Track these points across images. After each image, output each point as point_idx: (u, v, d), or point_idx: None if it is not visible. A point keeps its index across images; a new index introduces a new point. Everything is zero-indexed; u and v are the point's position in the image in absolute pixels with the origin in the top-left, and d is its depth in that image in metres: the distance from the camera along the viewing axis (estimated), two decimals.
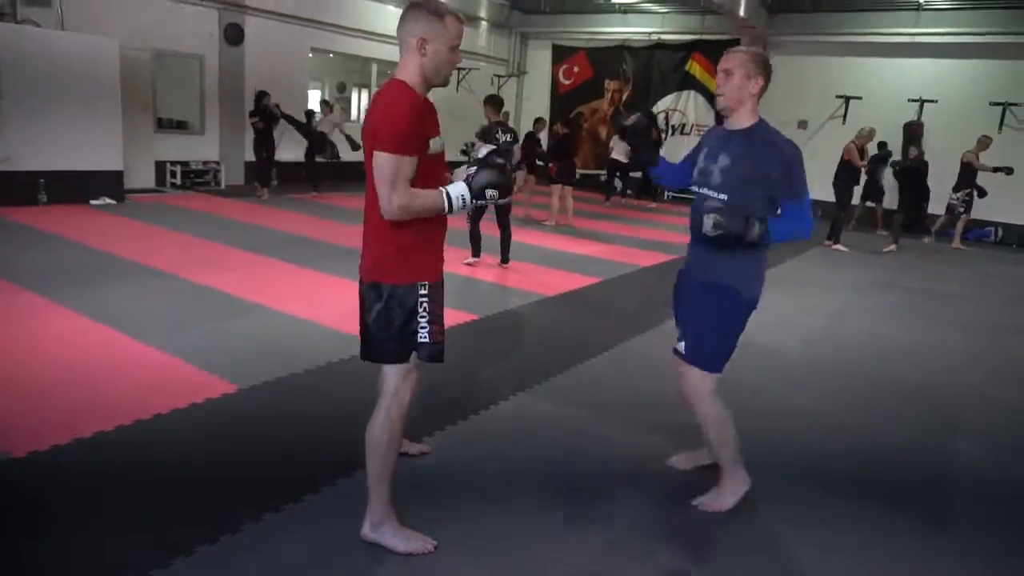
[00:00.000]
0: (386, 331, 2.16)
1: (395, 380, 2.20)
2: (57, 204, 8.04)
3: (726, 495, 2.69)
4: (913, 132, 11.60)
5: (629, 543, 2.45)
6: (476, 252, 6.74)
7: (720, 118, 2.60)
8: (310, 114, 10.86)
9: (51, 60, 7.92)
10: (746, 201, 2.42)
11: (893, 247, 9.90)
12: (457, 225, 6.68)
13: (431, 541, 2.28)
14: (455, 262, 6.47)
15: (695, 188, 2.61)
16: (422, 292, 2.15)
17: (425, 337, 2.16)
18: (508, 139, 6.82)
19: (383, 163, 1.98)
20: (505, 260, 6.76)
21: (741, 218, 2.33)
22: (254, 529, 2.31)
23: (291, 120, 10.43)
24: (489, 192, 2.12)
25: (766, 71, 2.47)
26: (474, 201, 2.13)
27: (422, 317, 2.15)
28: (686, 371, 2.63)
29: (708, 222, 2.32)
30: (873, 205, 11.90)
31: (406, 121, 1.99)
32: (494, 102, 6.96)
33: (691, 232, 2.58)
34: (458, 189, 2.10)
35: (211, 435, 2.97)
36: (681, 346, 2.63)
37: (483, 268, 6.60)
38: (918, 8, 12.14)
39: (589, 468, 2.94)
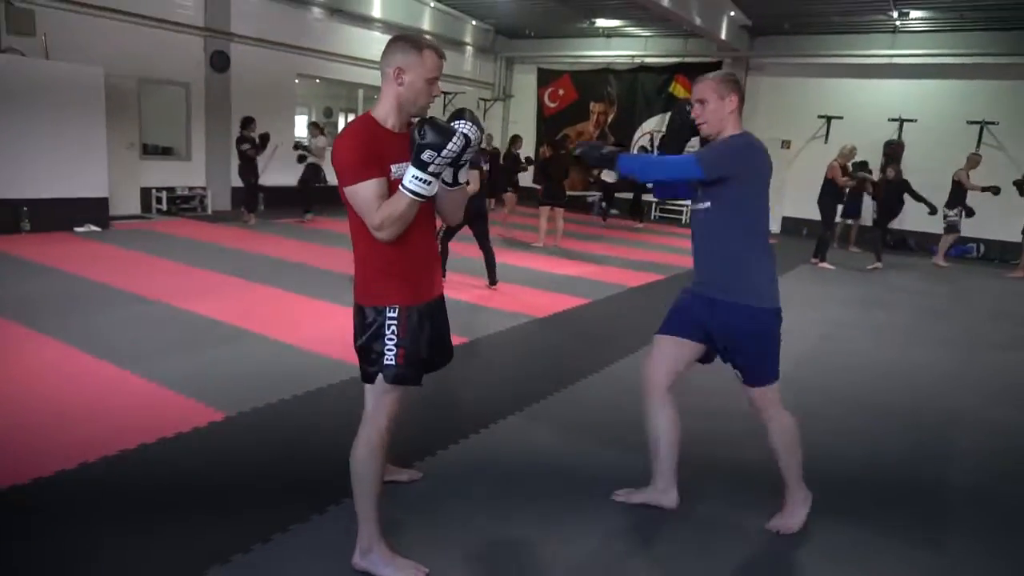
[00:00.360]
0: (367, 352, 2.20)
1: (376, 400, 2.21)
2: (41, 232, 7.97)
3: (798, 512, 2.70)
4: (893, 151, 11.77)
5: (625, 564, 2.42)
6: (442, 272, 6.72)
7: (704, 143, 2.66)
8: (301, 145, 10.86)
9: (35, 88, 7.91)
10: (725, 205, 2.51)
11: (879, 264, 10.00)
12: (458, 248, 6.71)
13: (422, 569, 2.25)
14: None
15: (691, 204, 2.70)
16: (390, 315, 2.15)
17: (391, 360, 2.15)
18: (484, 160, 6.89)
19: (351, 195, 2.06)
20: (493, 282, 6.75)
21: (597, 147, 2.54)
22: (244, 560, 2.27)
23: (305, 149, 10.49)
24: (427, 153, 1.93)
25: (736, 88, 2.55)
26: (429, 173, 1.97)
27: (389, 339, 2.15)
28: (748, 391, 2.66)
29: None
30: (851, 222, 12.05)
31: (351, 153, 2.05)
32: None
33: (693, 248, 2.68)
34: (408, 173, 1.98)
35: (198, 464, 2.93)
36: (740, 376, 2.63)
37: (470, 290, 6.59)
38: (894, 31, 12.40)
39: (581, 490, 2.92)
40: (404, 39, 2.12)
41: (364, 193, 2.02)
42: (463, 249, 7.16)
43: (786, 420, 2.67)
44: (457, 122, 1.99)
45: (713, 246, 2.59)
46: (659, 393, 2.71)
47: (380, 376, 2.17)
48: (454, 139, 1.94)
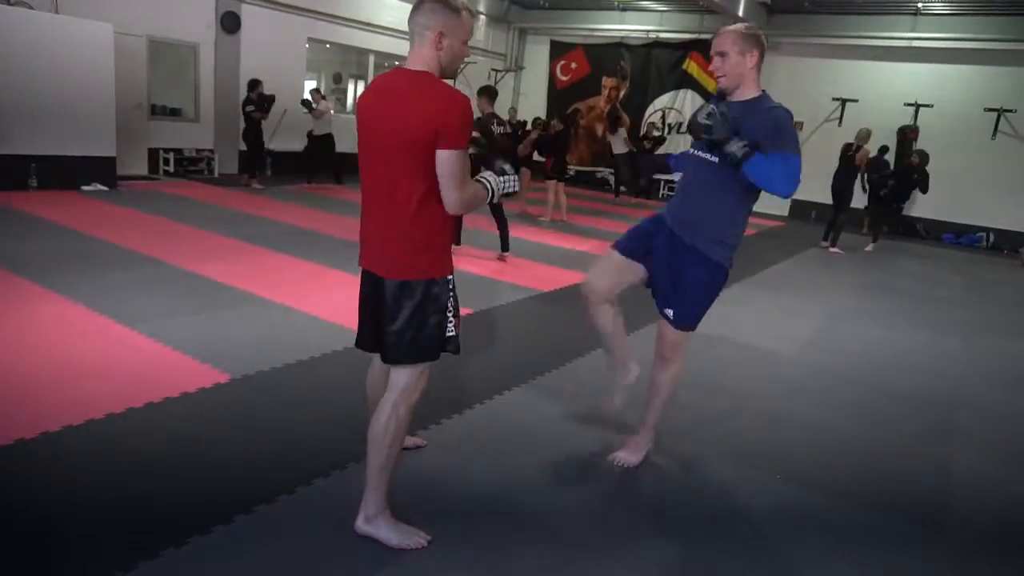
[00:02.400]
0: (420, 329, 2.12)
1: (411, 377, 2.17)
2: (48, 190, 7.95)
3: (642, 451, 2.92)
4: (907, 137, 11.66)
5: (624, 537, 2.44)
6: (457, 240, 6.75)
7: (722, 95, 2.62)
8: (307, 103, 10.75)
9: (44, 43, 7.83)
10: (724, 184, 2.54)
11: (871, 246, 10.02)
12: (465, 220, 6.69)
13: (425, 536, 2.26)
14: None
15: (692, 151, 2.69)
16: (450, 287, 2.15)
17: (452, 331, 2.16)
18: (502, 131, 6.86)
19: (454, 160, 1.97)
20: (505, 249, 6.80)
21: (729, 128, 2.38)
22: (246, 520, 2.29)
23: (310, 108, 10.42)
24: (501, 179, 2.20)
25: (758, 43, 2.51)
26: (503, 193, 2.21)
27: (450, 311, 2.15)
28: (668, 330, 2.74)
29: (702, 112, 2.41)
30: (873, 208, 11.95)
31: (466, 118, 1.98)
32: (488, 93, 6.90)
33: (683, 190, 2.73)
34: (492, 178, 2.17)
35: (203, 425, 2.94)
36: (670, 313, 2.71)
37: (477, 262, 6.57)
38: (916, 13, 12.17)
39: (583, 465, 2.93)
40: (441, 1, 2.02)
41: (463, 161, 2.00)
42: (469, 221, 7.12)
43: (680, 370, 2.82)
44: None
45: (709, 198, 2.62)
46: (599, 302, 2.82)
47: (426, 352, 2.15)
48: (512, 182, 2.21)
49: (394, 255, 2.09)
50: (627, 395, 2.99)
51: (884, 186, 10.03)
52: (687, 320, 2.70)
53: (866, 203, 10.42)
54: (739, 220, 2.67)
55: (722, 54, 2.50)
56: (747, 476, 2.97)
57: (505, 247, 6.83)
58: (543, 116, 15.24)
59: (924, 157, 9.99)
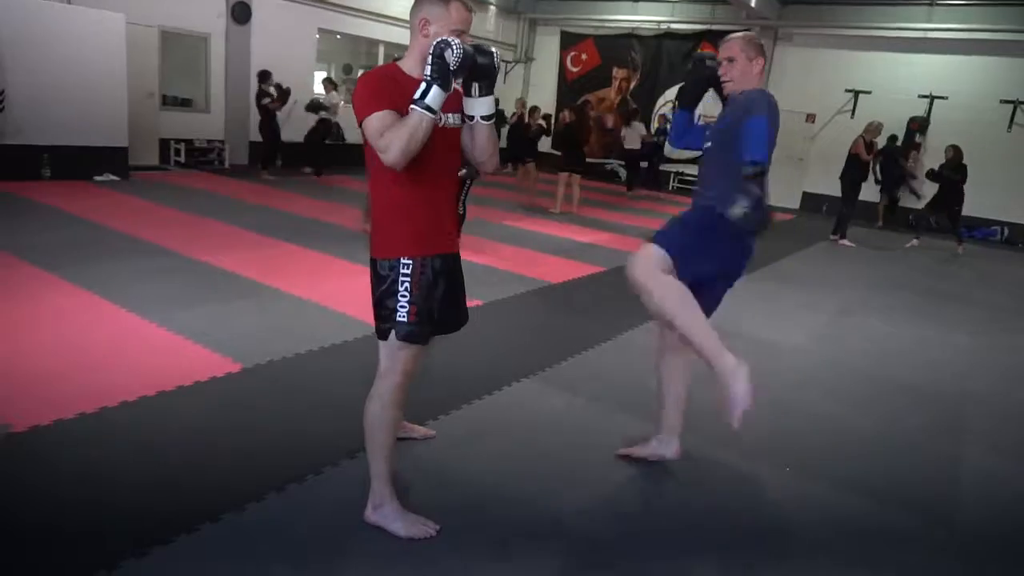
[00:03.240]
0: (377, 308, 2.20)
1: (386, 358, 2.22)
2: (60, 180, 8.01)
3: (736, 385, 2.38)
4: (911, 129, 11.60)
5: (635, 531, 2.45)
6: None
7: (724, 99, 2.68)
8: (317, 103, 10.75)
9: (57, 34, 7.86)
10: (726, 151, 2.48)
11: (915, 242, 9.99)
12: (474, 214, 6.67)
13: (433, 525, 2.28)
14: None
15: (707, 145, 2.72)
16: (404, 269, 2.13)
17: (403, 317, 2.14)
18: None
19: (364, 129, 2.02)
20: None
21: (754, 202, 2.34)
22: (257, 508, 2.32)
23: (318, 106, 10.44)
24: (452, 54, 1.92)
25: (762, 51, 2.63)
26: (432, 79, 1.94)
27: (402, 296, 2.14)
28: (641, 249, 2.53)
29: (737, 209, 2.34)
30: (885, 200, 11.88)
31: (364, 89, 2.05)
32: None
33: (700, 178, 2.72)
34: (422, 89, 1.95)
35: (215, 414, 2.97)
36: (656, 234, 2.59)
37: (485, 253, 6.58)
38: (931, 3, 12.03)
39: (592, 457, 2.94)
40: None
41: (374, 123, 1.98)
42: (478, 212, 7.12)
43: (669, 284, 2.45)
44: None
45: (711, 163, 2.65)
46: (670, 349, 2.75)
47: (393, 333, 2.17)
48: (452, 50, 1.92)
49: (373, 231, 2.22)
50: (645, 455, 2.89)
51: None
52: (666, 241, 2.51)
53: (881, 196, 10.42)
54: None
55: (731, 59, 2.57)
56: (755, 468, 2.97)
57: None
58: (553, 107, 15.21)
59: (959, 153, 9.83)
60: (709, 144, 2.67)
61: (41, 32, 7.75)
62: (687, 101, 2.88)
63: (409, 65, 2.12)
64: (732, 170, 2.50)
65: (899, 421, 3.70)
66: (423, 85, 1.95)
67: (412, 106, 1.96)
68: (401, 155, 1.95)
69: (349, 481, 2.50)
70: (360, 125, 2.03)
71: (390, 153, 1.96)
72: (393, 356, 2.19)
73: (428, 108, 1.95)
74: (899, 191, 11.73)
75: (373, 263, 2.20)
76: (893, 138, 11.13)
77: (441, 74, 1.94)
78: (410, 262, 2.13)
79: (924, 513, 2.78)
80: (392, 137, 1.95)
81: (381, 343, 2.23)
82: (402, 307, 2.14)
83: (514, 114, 12.06)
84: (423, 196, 2.13)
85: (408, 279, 2.13)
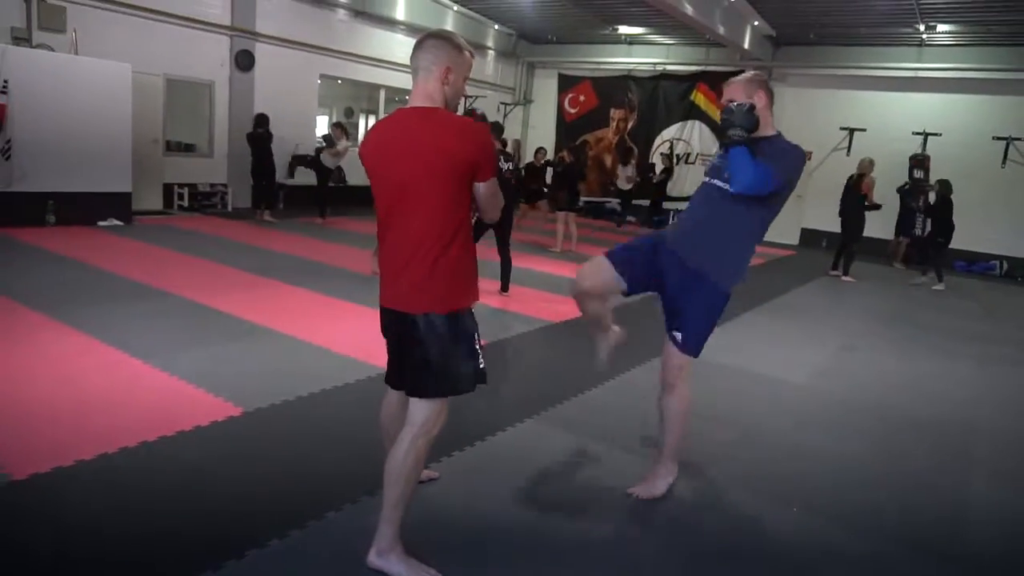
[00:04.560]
0: (446, 362, 2.13)
1: (432, 410, 2.17)
2: (65, 225, 8.08)
3: (660, 482, 2.88)
4: (921, 164, 11.69)
5: (638, 573, 2.40)
6: (504, 287, 6.70)
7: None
8: (328, 139, 10.86)
9: (65, 84, 8.02)
10: (752, 197, 2.58)
11: (924, 279, 9.96)
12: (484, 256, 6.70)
13: (435, 573, 2.23)
14: None
15: (705, 178, 2.79)
16: (473, 320, 2.19)
17: (483, 363, 2.19)
18: (509, 167, 6.89)
19: (488, 187, 2.12)
20: (505, 288, 6.71)
21: (746, 121, 2.52)
22: (260, 555, 2.28)
23: (301, 161, 10.60)
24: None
25: (763, 86, 2.67)
26: None
27: (477, 343, 2.18)
28: (673, 353, 2.77)
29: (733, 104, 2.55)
30: (903, 239, 11.84)
31: (491, 148, 2.12)
32: (494, 130, 6.98)
33: (691, 213, 2.81)
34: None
35: (216, 459, 2.94)
36: (678, 336, 2.75)
37: (486, 295, 6.59)
38: (920, 44, 12.28)
39: (596, 497, 2.90)
40: (446, 39, 2.14)
41: (493, 184, 2.13)
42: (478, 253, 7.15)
43: (687, 395, 2.81)
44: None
45: (718, 223, 2.69)
46: (584, 298, 2.96)
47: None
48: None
49: (419, 289, 2.10)
50: (612, 349, 3.12)
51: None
52: (692, 344, 2.75)
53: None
54: (748, 250, 2.73)
55: (731, 101, 2.64)
56: (760, 507, 2.93)
57: (505, 287, 6.69)
58: (552, 147, 15.40)
59: (946, 187, 9.93)
60: (723, 186, 2.65)
61: (50, 82, 7.90)
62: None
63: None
64: (740, 228, 2.64)
65: (905, 456, 3.66)
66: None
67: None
68: (498, 215, 2.19)
69: (351, 525, 2.47)
70: (483, 180, 2.09)
71: (497, 213, 2.19)
72: (439, 410, 2.19)
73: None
74: (915, 230, 11.65)
75: (430, 319, 2.09)
76: (915, 181, 11.09)
77: None
78: (472, 310, 2.19)
79: (935, 549, 2.74)
80: (500, 201, 2.16)
81: (424, 399, 2.17)
82: (479, 354, 2.19)
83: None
84: (470, 248, 2.19)
85: (476, 327, 2.20)
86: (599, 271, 2.87)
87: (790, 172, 2.57)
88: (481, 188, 2.11)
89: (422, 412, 2.16)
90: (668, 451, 2.88)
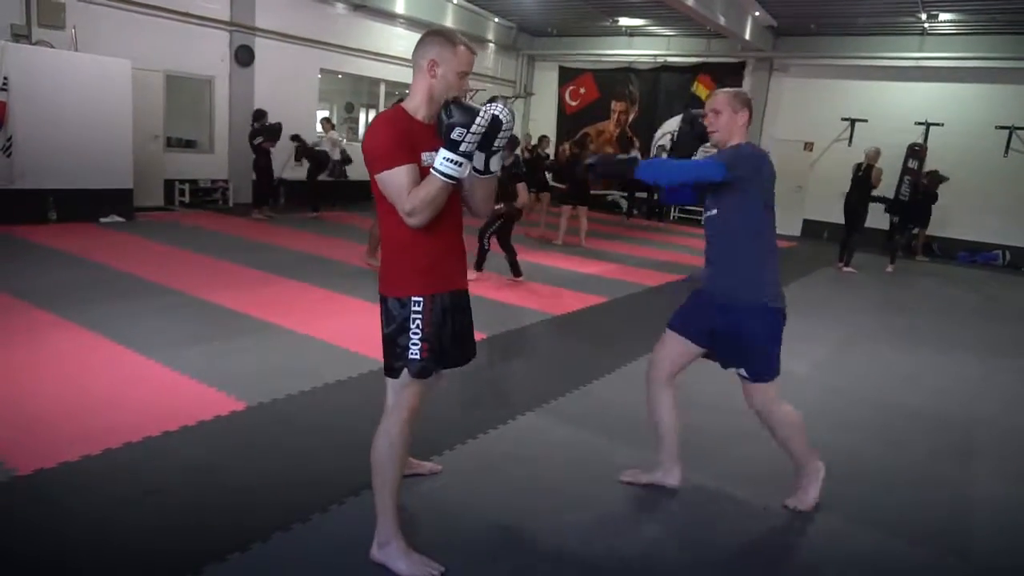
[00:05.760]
0: (389, 345, 2.22)
1: (396, 394, 2.23)
2: (67, 222, 8.09)
3: (811, 490, 2.82)
4: (917, 154, 11.64)
5: (639, 566, 2.41)
6: (478, 266, 6.80)
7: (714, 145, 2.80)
8: (297, 138, 10.79)
9: (65, 81, 8.02)
10: (731, 209, 2.63)
11: (890, 268, 9.98)
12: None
13: (438, 567, 2.24)
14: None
15: (704, 212, 2.81)
16: (415, 308, 2.16)
17: (415, 354, 2.16)
18: (518, 157, 6.93)
19: (383, 182, 2.07)
20: (517, 274, 6.82)
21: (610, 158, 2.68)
22: (264, 548, 2.29)
23: (300, 142, 10.52)
24: (456, 131, 1.97)
25: (748, 105, 2.72)
26: (460, 153, 1.99)
27: (413, 333, 2.16)
28: (752, 389, 2.74)
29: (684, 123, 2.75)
30: (916, 230, 11.64)
31: (384, 140, 2.08)
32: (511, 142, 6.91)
33: (706, 252, 2.78)
34: (439, 156, 2.01)
35: (219, 453, 2.96)
36: (743, 372, 2.72)
37: (491, 287, 6.60)
38: (923, 33, 12.22)
39: (599, 491, 2.91)
40: (439, 34, 2.16)
41: (397, 179, 2.03)
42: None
43: (787, 409, 2.77)
44: (488, 104, 2.04)
45: (723, 249, 2.71)
46: (659, 384, 2.87)
47: (404, 370, 2.18)
48: (481, 116, 1.97)
49: (382, 271, 2.24)
50: (650, 481, 2.94)
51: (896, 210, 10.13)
52: (765, 373, 2.70)
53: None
54: (764, 257, 2.68)
55: (716, 111, 2.67)
56: (760, 500, 2.92)
57: (517, 272, 6.85)
58: (553, 140, 15.38)
59: (936, 179, 9.96)
60: (711, 214, 2.72)
61: (50, 79, 7.89)
62: (681, 156, 3.00)
63: (414, 106, 2.15)
64: (745, 244, 2.65)
65: (908, 449, 3.66)
66: (451, 153, 1.97)
67: (435, 173, 2.00)
68: (426, 222, 2.06)
69: (354, 519, 2.48)
70: (376, 174, 2.06)
71: (416, 219, 2.05)
72: (401, 393, 2.20)
73: (451, 178, 2.02)
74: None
75: (384, 301, 2.22)
76: (934, 173, 10.95)
77: (481, 146, 2.04)
78: (421, 299, 2.16)
79: (937, 543, 2.74)
80: (417, 203, 2.02)
81: (389, 380, 2.24)
82: (414, 344, 2.16)
83: (534, 147, 12.07)
84: (432, 239, 2.15)
85: (420, 317, 2.16)
86: (668, 346, 2.85)
87: (741, 163, 2.56)
88: (378, 181, 2.08)
89: (389, 396, 2.27)
90: (799, 459, 2.81)
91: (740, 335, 2.66)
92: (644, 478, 2.95)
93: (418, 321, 2.16)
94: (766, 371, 2.70)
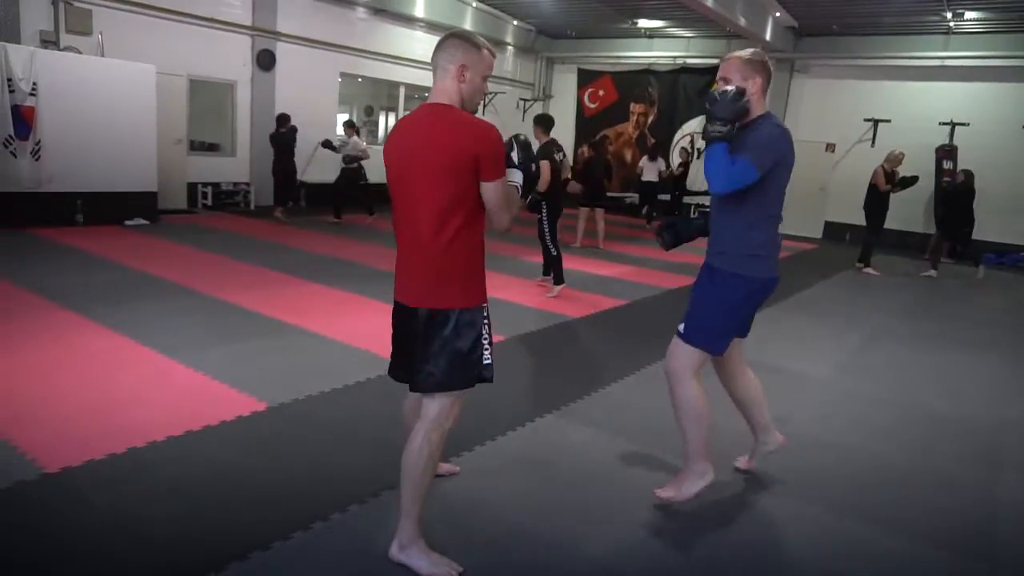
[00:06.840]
0: (454, 357, 2.14)
1: (443, 405, 2.19)
2: (93, 225, 8.23)
3: (685, 485, 2.73)
4: (950, 155, 11.48)
5: (659, 569, 2.40)
6: (558, 279, 6.55)
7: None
8: (329, 145, 10.81)
9: (91, 85, 8.16)
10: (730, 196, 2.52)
11: (932, 272, 9.75)
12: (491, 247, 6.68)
13: (457, 567, 2.25)
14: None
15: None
16: (485, 315, 2.19)
17: (488, 359, 2.19)
18: (561, 157, 6.67)
19: (496, 187, 2.09)
20: (559, 281, 6.60)
21: (731, 112, 2.42)
22: (284, 547, 2.32)
23: (332, 149, 10.56)
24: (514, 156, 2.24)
25: (762, 69, 2.55)
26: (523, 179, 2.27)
27: (484, 339, 2.18)
28: (674, 346, 2.71)
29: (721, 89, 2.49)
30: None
31: (502, 145, 2.12)
32: (544, 122, 6.61)
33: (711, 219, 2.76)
34: (513, 176, 2.23)
35: (240, 453, 2.99)
36: (680, 327, 2.71)
37: (508, 289, 6.60)
38: (948, 32, 12.05)
39: (616, 494, 2.91)
40: (462, 37, 2.15)
41: (503, 188, 2.12)
42: (499, 248, 7.16)
43: (695, 393, 2.66)
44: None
45: (724, 219, 2.63)
46: (719, 371, 2.93)
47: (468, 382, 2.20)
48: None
49: (428, 285, 2.13)
50: (763, 458, 3.08)
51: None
52: (693, 333, 2.63)
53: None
54: (751, 226, 2.56)
55: (725, 80, 2.55)
56: (781, 502, 2.91)
57: (558, 280, 6.56)
58: (571, 143, 15.37)
59: (970, 176, 9.76)
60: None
61: (77, 84, 8.05)
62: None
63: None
64: (736, 215, 2.56)
65: (932, 452, 3.61)
66: (521, 170, 2.23)
67: (514, 183, 2.22)
68: (511, 226, 2.18)
69: (374, 519, 2.50)
70: (491, 180, 2.06)
71: (508, 223, 2.16)
72: (451, 404, 2.21)
73: (520, 192, 2.24)
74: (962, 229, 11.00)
75: (444, 314, 2.12)
76: (914, 179, 10.76)
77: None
78: (485, 305, 2.20)
79: (963, 549, 2.70)
80: (514, 209, 2.15)
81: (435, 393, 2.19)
82: (486, 350, 2.19)
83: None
84: (482, 246, 2.19)
85: (487, 320, 2.21)
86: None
87: (770, 155, 2.42)
88: (488, 188, 2.07)
89: (434, 406, 2.20)
90: (688, 450, 2.73)
91: (697, 285, 2.69)
92: (747, 462, 3.10)
93: (488, 325, 2.20)
94: (695, 331, 2.63)
